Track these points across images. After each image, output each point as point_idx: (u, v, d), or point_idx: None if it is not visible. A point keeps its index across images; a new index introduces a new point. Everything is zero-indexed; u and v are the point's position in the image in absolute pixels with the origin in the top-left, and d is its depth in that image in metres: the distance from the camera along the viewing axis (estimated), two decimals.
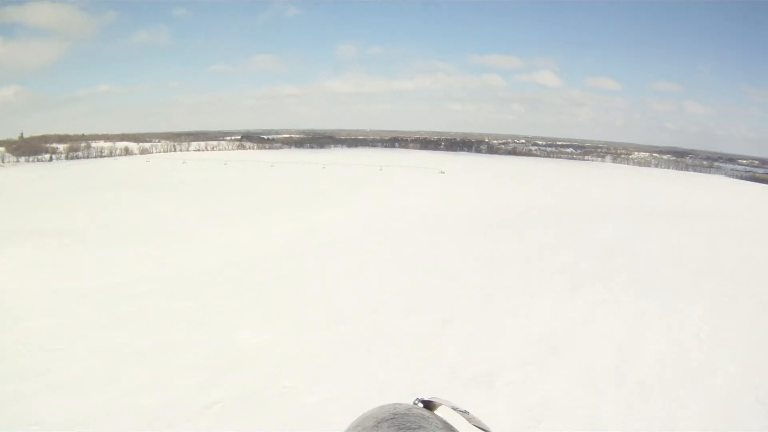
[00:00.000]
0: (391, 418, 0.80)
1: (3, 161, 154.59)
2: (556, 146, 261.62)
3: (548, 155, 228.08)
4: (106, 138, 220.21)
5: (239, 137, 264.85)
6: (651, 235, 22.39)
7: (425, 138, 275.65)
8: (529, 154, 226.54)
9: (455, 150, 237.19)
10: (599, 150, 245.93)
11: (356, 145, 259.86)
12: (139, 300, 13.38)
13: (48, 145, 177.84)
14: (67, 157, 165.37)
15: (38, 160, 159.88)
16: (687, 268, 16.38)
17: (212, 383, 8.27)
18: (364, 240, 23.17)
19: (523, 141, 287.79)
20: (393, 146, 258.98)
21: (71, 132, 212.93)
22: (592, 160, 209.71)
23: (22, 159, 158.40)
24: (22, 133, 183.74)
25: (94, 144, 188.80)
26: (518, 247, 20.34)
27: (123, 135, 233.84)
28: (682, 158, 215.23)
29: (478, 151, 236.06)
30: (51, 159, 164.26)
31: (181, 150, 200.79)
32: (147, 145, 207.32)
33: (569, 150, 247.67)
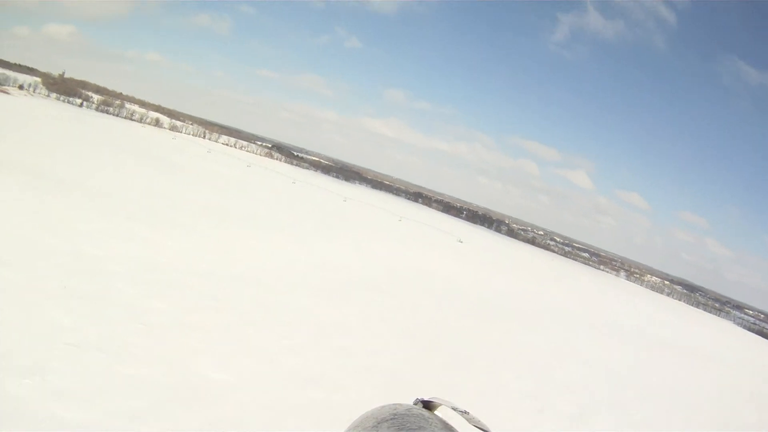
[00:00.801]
0: (391, 419, 0.81)
1: (33, 91, 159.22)
2: (573, 247, 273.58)
3: (564, 254, 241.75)
4: (142, 104, 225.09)
5: (270, 146, 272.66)
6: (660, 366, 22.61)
7: (449, 202, 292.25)
8: (546, 247, 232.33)
9: (475, 221, 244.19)
10: (614, 263, 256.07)
11: (380, 188, 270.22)
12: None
13: (84, 91, 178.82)
14: (97, 109, 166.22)
15: (69, 102, 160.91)
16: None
17: None
18: (366, 288, 21.79)
19: (542, 233, 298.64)
20: (416, 200, 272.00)
21: (110, 87, 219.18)
22: (606, 271, 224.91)
23: (53, 95, 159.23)
24: (63, 73, 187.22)
25: (128, 105, 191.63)
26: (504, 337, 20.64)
27: (159, 107, 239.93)
28: (692, 293, 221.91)
29: (498, 230, 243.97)
30: (81, 105, 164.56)
31: (209, 139, 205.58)
32: (178, 123, 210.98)
33: (585, 254, 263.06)
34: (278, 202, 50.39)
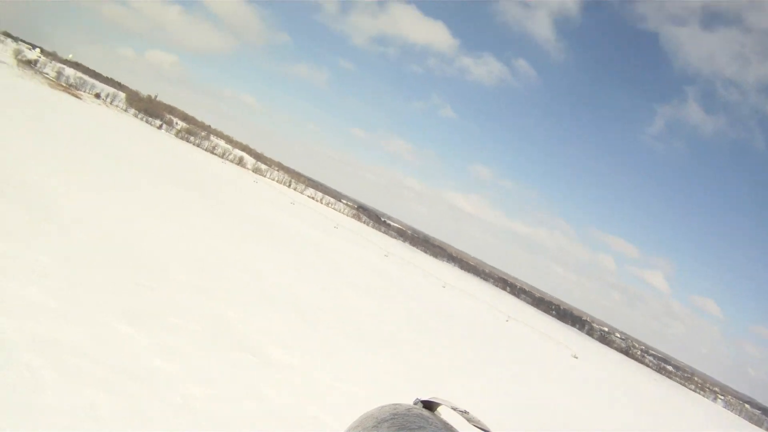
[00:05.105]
0: (391, 419, 0.85)
1: (110, 103, 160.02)
2: (636, 347, 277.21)
3: (658, 369, 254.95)
4: (228, 140, 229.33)
5: (356, 206, 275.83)
6: None
7: (540, 296, 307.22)
8: (640, 360, 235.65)
9: (566, 321, 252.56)
10: (680, 374, 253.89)
11: (468, 269, 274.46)
12: None
13: (169, 116, 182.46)
14: (177, 135, 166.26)
15: (147, 122, 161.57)
16: None
17: None
18: None
19: (606, 329, 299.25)
20: (504, 287, 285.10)
21: (198, 118, 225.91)
22: (670, 378, 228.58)
23: (132, 111, 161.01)
24: (154, 96, 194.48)
25: (213, 138, 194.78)
26: None
27: (245, 146, 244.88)
28: (766, 416, 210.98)
29: (589, 333, 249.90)
30: (160, 127, 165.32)
31: (294, 188, 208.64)
32: (262, 166, 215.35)
33: (648, 358, 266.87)
34: (389, 294, 44.79)
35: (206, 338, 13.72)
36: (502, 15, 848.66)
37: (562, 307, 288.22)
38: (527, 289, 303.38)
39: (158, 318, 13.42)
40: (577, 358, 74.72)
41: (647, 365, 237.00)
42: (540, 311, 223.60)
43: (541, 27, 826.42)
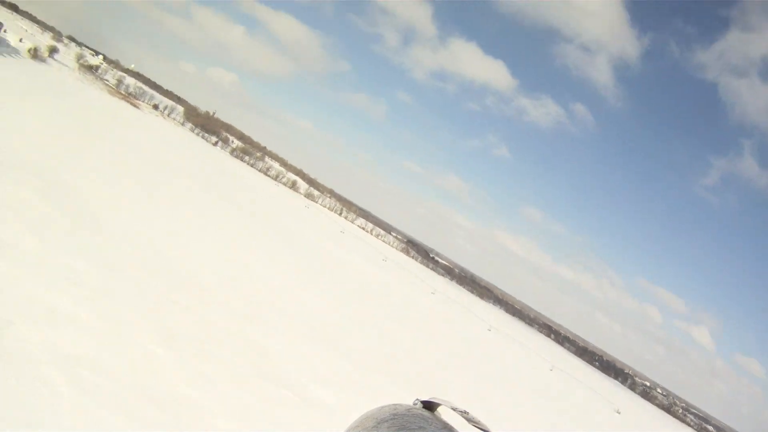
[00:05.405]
0: (391, 419, 0.86)
1: (168, 115, 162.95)
2: (677, 404, 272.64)
3: (669, 411, 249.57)
4: (283, 163, 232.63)
5: (405, 240, 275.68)
6: None
7: (583, 345, 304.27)
8: (681, 419, 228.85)
9: (608, 372, 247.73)
10: None
11: (513, 313, 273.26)
12: None
13: (225, 133, 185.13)
14: (232, 153, 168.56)
15: (203, 137, 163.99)
16: None
17: None
18: None
19: (648, 384, 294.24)
20: (548, 334, 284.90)
21: (254, 138, 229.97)
22: None
23: (189, 126, 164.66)
24: (212, 112, 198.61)
25: (268, 159, 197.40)
26: None
27: (299, 170, 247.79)
28: None
29: (632, 387, 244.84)
30: (216, 143, 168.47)
31: (345, 217, 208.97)
32: (315, 192, 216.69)
33: (690, 417, 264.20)
34: (434, 334, 43.86)
35: (242, 368, 12.93)
36: (563, 58, 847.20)
37: (605, 358, 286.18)
38: (571, 337, 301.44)
39: (192, 341, 12.72)
40: (619, 413, 73.51)
41: (688, 424, 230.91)
42: (583, 361, 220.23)
43: (600, 72, 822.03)
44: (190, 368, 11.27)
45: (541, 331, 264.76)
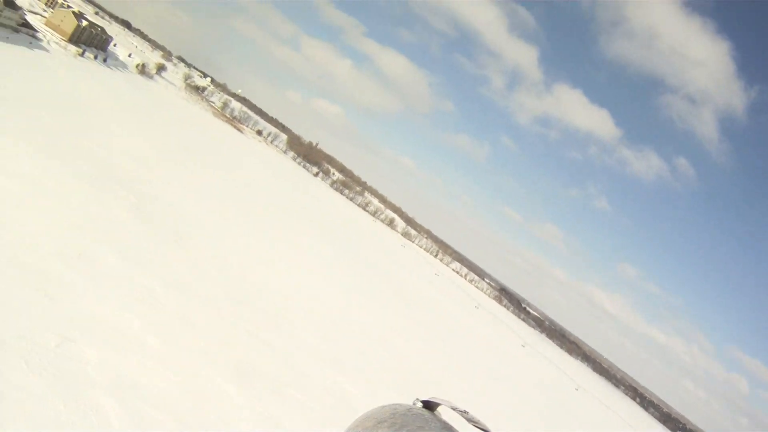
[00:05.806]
0: (391, 419, 0.88)
1: (271, 142, 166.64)
2: None
3: None
4: (382, 199, 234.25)
5: (498, 287, 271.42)
6: None
7: (667, 412, 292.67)
8: None
9: None
10: None
11: (600, 371, 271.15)
12: None
13: (327, 165, 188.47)
14: (332, 185, 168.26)
15: (305, 167, 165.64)
16: None
17: None
18: None
19: None
20: (633, 397, 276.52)
21: (355, 172, 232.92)
22: None
23: (291, 154, 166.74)
24: (315, 143, 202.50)
25: (367, 194, 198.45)
26: None
27: (398, 208, 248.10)
28: None
29: None
30: (317, 174, 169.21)
31: (440, 260, 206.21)
32: (412, 231, 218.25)
33: None
34: (522, 389, 44.80)
35: (322, 416, 11.88)
36: (668, 109, 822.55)
37: (688, 427, 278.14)
38: (656, 402, 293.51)
39: (269, 381, 11.87)
40: None
41: None
42: (667, 429, 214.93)
43: (704, 124, 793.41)
44: (260, 410, 10.20)
45: (627, 394, 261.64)
